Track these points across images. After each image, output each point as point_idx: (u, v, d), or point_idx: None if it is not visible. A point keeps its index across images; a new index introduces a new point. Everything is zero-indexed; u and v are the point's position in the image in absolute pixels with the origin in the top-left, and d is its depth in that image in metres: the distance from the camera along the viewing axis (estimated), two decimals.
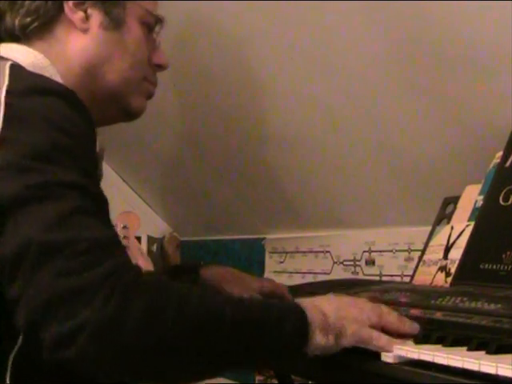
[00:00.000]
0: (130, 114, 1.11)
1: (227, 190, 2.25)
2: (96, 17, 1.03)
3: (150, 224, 2.77)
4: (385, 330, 0.86)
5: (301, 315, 0.83)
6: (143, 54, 1.08)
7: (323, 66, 1.51)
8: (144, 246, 2.58)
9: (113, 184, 2.62)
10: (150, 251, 2.61)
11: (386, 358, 0.80)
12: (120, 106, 1.08)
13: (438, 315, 0.91)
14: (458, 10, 1.17)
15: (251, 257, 2.34)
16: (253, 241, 2.33)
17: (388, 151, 1.56)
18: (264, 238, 2.26)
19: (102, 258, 0.75)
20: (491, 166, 1.20)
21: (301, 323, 0.83)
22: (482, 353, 0.73)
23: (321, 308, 0.86)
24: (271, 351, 0.83)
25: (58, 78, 0.96)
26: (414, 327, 0.87)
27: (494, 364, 0.66)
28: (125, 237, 2.29)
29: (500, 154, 1.18)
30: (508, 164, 1.14)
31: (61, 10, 1.02)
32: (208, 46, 1.75)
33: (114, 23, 1.04)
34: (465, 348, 0.76)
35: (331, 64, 1.49)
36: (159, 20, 1.10)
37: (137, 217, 2.48)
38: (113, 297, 0.73)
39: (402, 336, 0.85)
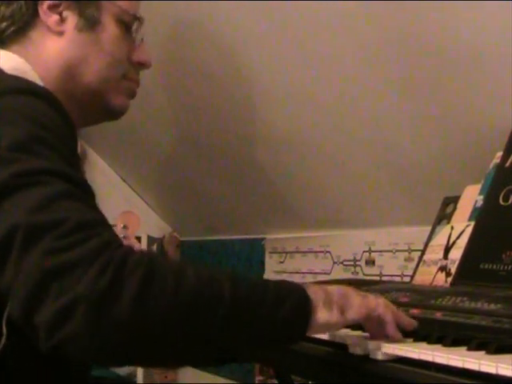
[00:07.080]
0: (112, 113, 1.11)
1: (227, 190, 2.25)
2: (71, 18, 1.03)
3: (150, 224, 2.77)
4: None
5: (301, 292, 0.82)
6: (121, 52, 1.08)
7: (323, 66, 1.51)
8: (144, 246, 2.58)
9: (113, 184, 2.62)
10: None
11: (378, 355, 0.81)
12: (101, 106, 1.08)
13: (438, 315, 0.91)
14: (458, 10, 1.18)
15: (251, 257, 2.34)
16: (253, 241, 2.33)
17: (388, 151, 1.56)
18: (264, 238, 2.26)
19: (91, 235, 0.73)
20: (491, 166, 1.20)
21: (302, 299, 0.81)
22: (482, 353, 0.73)
23: (323, 287, 0.85)
24: (272, 329, 0.79)
25: (38, 82, 0.96)
26: (412, 324, 0.87)
27: (494, 364, 0.66)
28: (125, 237, 2.29)
29: (500, 154, 1.18)
30: (508, 164, 1.14)
31: (36, 13, 1.02)
32: (206, 45, 1.75)
33: (89, 24, 1.04)
34: (465, 348, 0.76)
35: (331, 64, 1.49)
36: (136, 19, 1.09)
37: (137, 217, 2.48)
38: (107, 270, 0.71)
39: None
